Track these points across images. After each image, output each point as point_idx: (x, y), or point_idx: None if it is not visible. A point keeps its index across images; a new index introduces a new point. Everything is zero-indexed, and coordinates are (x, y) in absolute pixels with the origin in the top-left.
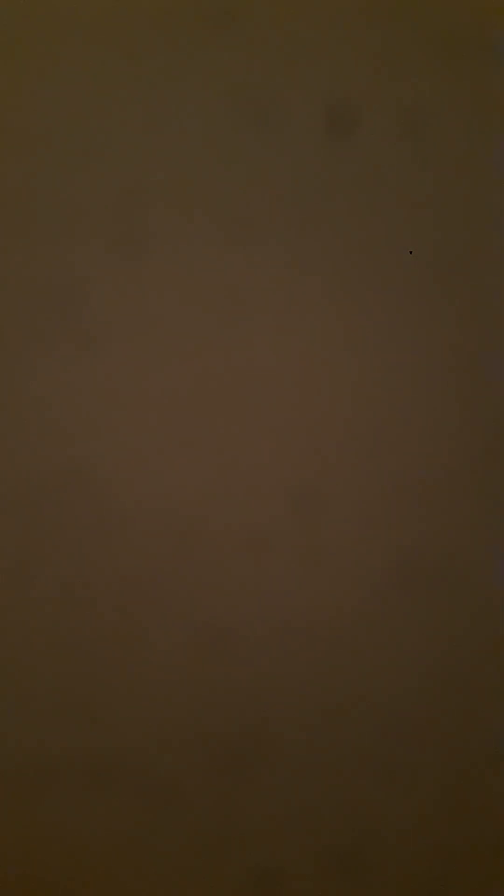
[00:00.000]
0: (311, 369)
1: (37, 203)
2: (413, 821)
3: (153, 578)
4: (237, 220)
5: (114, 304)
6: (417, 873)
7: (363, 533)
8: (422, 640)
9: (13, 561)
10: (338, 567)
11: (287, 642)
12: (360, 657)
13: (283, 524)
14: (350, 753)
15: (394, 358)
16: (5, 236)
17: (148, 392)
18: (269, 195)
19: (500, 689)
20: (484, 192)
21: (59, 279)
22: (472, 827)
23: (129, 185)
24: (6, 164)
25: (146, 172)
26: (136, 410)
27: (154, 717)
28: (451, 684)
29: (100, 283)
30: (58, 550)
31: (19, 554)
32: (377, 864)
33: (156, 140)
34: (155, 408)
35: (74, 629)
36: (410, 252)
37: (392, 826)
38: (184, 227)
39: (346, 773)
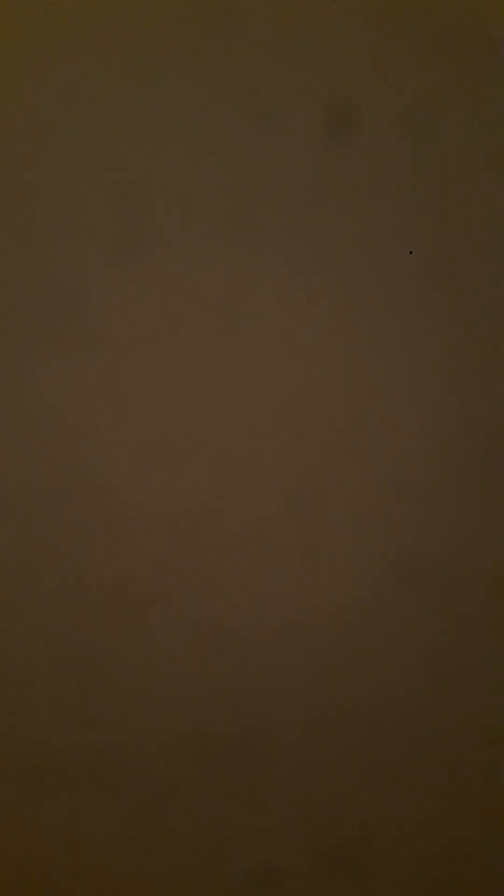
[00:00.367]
0: (311, 369)
1: (38, 204)
2: (413, 821)
3: (153, 578)
4: (238, 221)
5: (115, 304)
6: (417, 873)
7: (363, 533)
8: (421, 639)
9: (13, 561)
10: (337, 567)
11: (287, 642)
12: (359, 657)
13: (283, 524)
14: (350, 753)
15: (393, 358)
16: (6, 237)
17: (149, 392)
18: (269, 195)
19: (500, 689)
20: (484, 192)
21: (61, 280)
22: (472, 827)
23: (130, 185)
24: (7, 164)
25: (146, 173)
26: (137, 410)
27: (154, 717)
28: (451, 684)
29: (100, 284)
30: (58, 550)
31: (19, 554)
32: (377, 864)
33: (156, 140)
34: (156, 408)
35: (74, 629)
36: (410, 252)
37: (392, 826)
38: (184, 228)
39: (346, 773)
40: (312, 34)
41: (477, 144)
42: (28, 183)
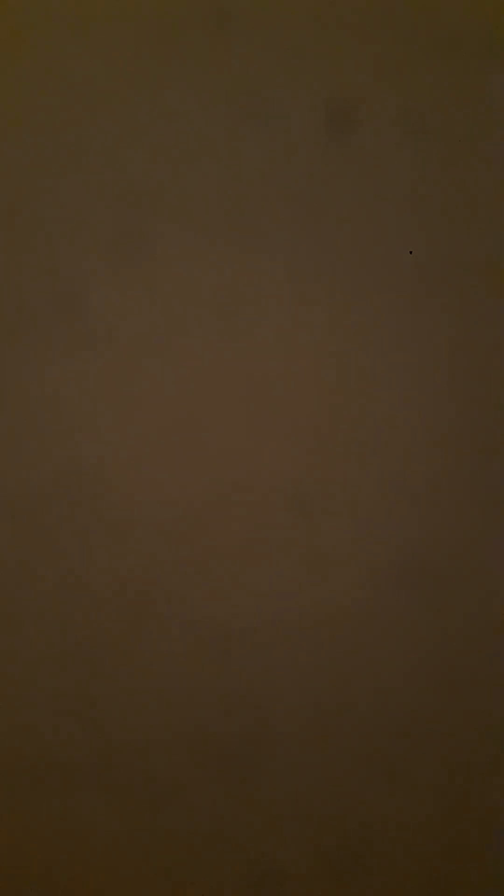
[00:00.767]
0: (311, 369)
1: (37, 205)
2: (413, 821)
3: (153, 579)
4: (237, 221)
5: (115, 304)
6: (417, 873)
7: (363, 533)
8: (422, 640)
9: (13, 561)
10: (338, 567)
11: (287, 642)
12: (359, 657)
13: (284, 524)
14: (350, 753)
15: (394, 358)
16: (6, 238)
17: (149, 392)
18: (268, 196)
19: (500, 689)
20: (484, 192)
21: (61, 280)
22: (472, 827)
23: (130, 186)
24: (6, 165)
25: (146, 173)
26: (138, 412)
27: (154, 717)
28: (451, 684)
29: (100, 284)
30: (58, 550)
31: (19, 554)
32: (377, 864)
33: (156, 141)
34: (156, 408)
35: (74, 629)
36: (410, 252)
37: (392, 826)
38: (184, 228)
39: (345, 773)
40: (312, 35)
41: (477, 144)
42: (28, 184)
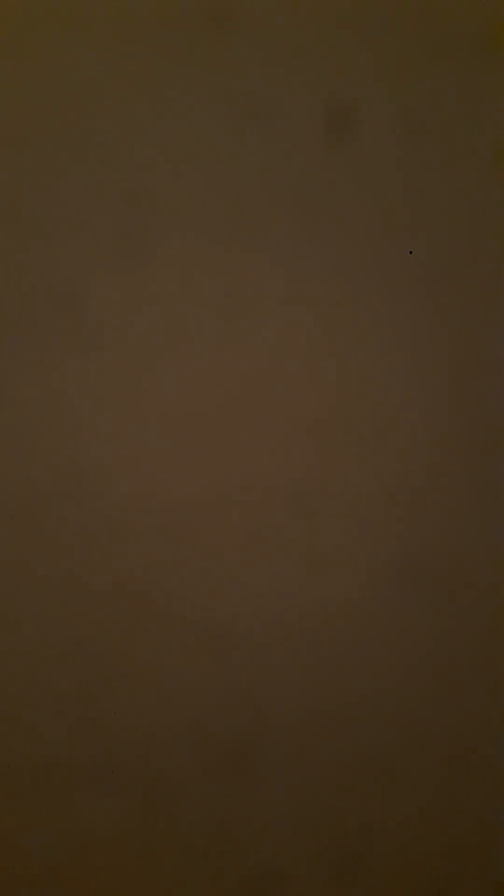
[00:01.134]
0: (310, 370)
1: (37, 205)
2: (412, 821)
3: (153, 579)
4: (237, 222)
5: (114, 305)
6: (417, 873)
7: (363, 533)
8: (421, 640)
9: (13, 561)
10: (337, 567)
11: (287, 642)
12: (359, 657)
13: (283, 524)
14: (350, 753)
15: (394, 358)
16: (6, 238)
17: (148, 393)
18: (268, 195)
19: (500, 689)
20: (484, 192)
21: (60, 281)
22: (471, 827)
23: (129, 186)
24: (6, 166)
25: (145, 174)
26: (137, 412)
27: (154, 717)
28: (451, 684)
29: (100, 285)
30: (58, 550)
31: (19, 554)
32: (377, 864)
33: (155, 141)
34: (155, 409)
35: (74, 628)
36: (410, 252)
37: (392, 826)
38: (184, 229)
39: (345, 773)
40: (313, 34)
41: (477, 145)
42: (28, 184)
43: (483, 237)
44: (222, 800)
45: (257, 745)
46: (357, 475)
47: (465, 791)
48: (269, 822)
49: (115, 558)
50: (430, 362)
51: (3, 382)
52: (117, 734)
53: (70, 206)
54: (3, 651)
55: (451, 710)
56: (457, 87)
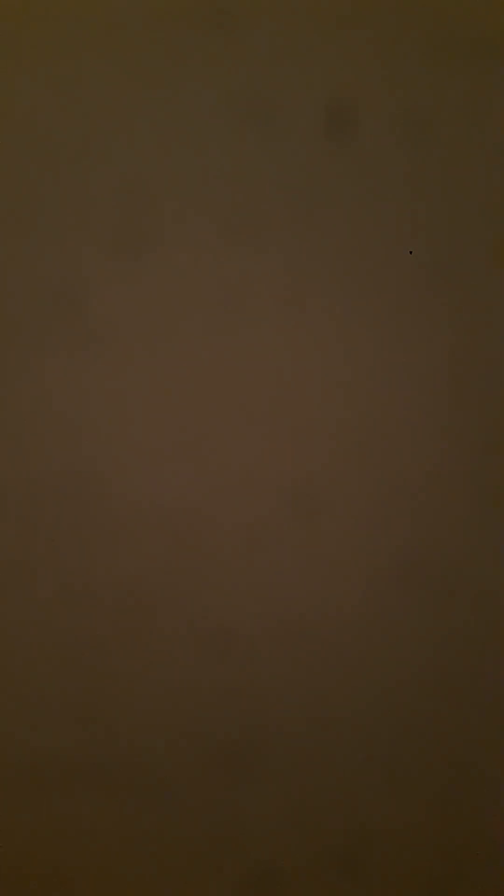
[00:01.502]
0: (310, 369)
1: (38, 205)
2: (413, 821)
3: (153, 578)
4: (238, 221)
5: (114, 305)
6: (417, 873)
7: (362, 533)
8: (421, 640)
9: (14, 561)
10: (337, 566)
11: (286, 642)
12: (359, 656)
13: (283, 524)
14: (350, 753)
15: (393, 357)
16: (7, 238)
17: (149, 392)
18: (269, 195)
19: (500, 689)
20: (483, 192)
21: (61, 280)
22: (472, 827)
23: (130, 186)
24: (7, 166)
25: (148, 173)
26: (137, 410)
27: (154, 717)
28: (450, 683)
29: (100, 285)
30: (58, 550)
31: (20, 554)
32: (377, 864)
33: (156, 141)
34: (155, 408)
35: (74, 629)
36: (410, 252)
37: (392, 826)
38: (184, 228)
39: (345, 773)
40: (313, 36)
41: (477, 145)
42: (29, 183)
43: (483, 237)
44: (222, 800)
45: (257, 745)
46: (357, 476)
47: (466, 791)
48: (269, 822)
49: (114, 558)
50: (430, 362)
51: (3, 382)
52: (117, 734)
53: (71, 205)
54: (3, 651)
55: (451, 709)
56: (457, 87)
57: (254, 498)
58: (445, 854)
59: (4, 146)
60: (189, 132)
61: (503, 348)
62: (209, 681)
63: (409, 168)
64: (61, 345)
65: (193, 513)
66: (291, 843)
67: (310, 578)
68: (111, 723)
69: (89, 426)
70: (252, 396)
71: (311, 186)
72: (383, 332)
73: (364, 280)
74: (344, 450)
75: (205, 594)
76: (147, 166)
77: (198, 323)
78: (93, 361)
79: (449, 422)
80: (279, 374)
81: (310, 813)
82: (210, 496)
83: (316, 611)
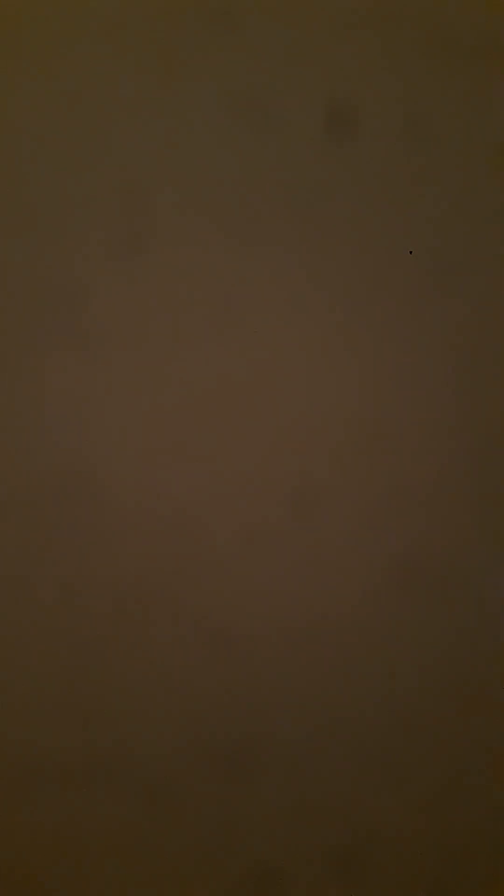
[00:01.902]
0: (310, 370)
1: (37, 206)
2: (413, 821)
3: (153, 579)
4: (237, 222)
5: (114, 305)
6: (417, 873)
7: (362, 534)
8: (421, 640)
9: (14, 561)
10: (337, 567)
11: (286, 642)
12: (359, 657)
13: (283, 525)
14: (349, 753)
15: (393, 358)
16: (7, 239)
17: (148, 393)
18: (268, 196)
19: (500, 689)
20: (484, 193)
21: (60, 281)
22: (472, 827)
23: (130, 186)
24: (6, 166)
25: (146, 174)
26: (137, 411)
27: (154, 718)
28: (450, 684)
29: (100, 285)
30: (58, 551)
31: (20, 554)
32: (377, 864)
33: (156, 141)
34: (155, 409)
35: (74, 629)
36: (410, 252)
37: (392, 826)
38: (184, 229)
39: (345, 773)
40: (313, 35)
41: (477, 145)
42: (29, 183)
43: (483, 237)
44: (222, 800)
45: (257, 746)
46: (356, 476)
47: (466, 792)
48: (269, 823)
49: (114, 558)
50: (430, 362)
51: (3, 382)
52: (117, 734)
53: (70, 206)
54: (3, 652)
55: (451, 709)
56: (457, 87)
57: (254, 499)
58: (445, 854)
59: (4, 146)
60: (189, 132)
61: (503, 348)
62: (209, 681)
63: (410, 168)
64: (61, 345)
65: (193, 513)
66: (291, 843)
67: (310, 580)
68: (111, 723)
69: (89, 426)
70: (252, 397)
71: (311, 186)
72: (383, 332)
73: (364, 280)
74: (344, 450)
75: (205, 595)
76: (147, 166)
77: (198, 323)
78: (92, 361)
79: (449, 423)
80: (279, 375)
81: (310, 813)
82: (210, 497)
83: (316, 612)
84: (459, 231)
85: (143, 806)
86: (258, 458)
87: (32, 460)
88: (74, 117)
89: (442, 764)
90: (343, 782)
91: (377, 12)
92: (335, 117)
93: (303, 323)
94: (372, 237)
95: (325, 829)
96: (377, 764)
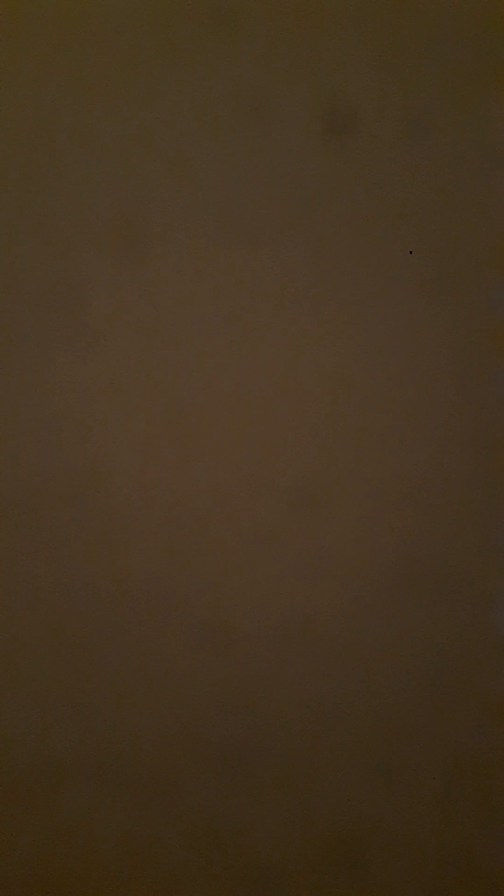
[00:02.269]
0: (311, 369)
1: (37, 206)
2: (413, 820)
3: (153, 578)
4: (237, 221)
5: (115, 305)
6: (417, 873)
7: (363, 533)
8: (421, 639)
9: (14, 561)
10: (338, 566)
11: (287, 641)
12: (359, 656)
13: (284, 524)
14: (349, 753)
15: (394, 357)
16: (7, 239)
17: (149, 392)
18: (269, 196)
19: (500, 689)
20: (484, 192)
21: (61, 281)
22: (472, 826)
23: (130, 186)
24: (7, 166)
25: (146, 173)
26: (138, 411)
27: (154, 716)
28: (450, 683)
29: (101, 285)
30: (58, 549)
31: (20, 553)
32: (377, 863)
33: (156, 141)
34: (156, 408)
35: (74, 628)
36: (410, 252)
37: (391, 825)
38: (184, 229)
39: (345, 773)
40: (313, 34)
41: (476, 144)
42: (28, 183)
43: (483, 237)
44: (222, 799)
45: (257, 744)
46: (357, 475)
47: (465, 791)
48: (269, 822)
49: (115, 558)
50: (430, 362)
51: (2, 381)
52: (117, 734)
53: (70, 205)
54: (4, 651)
55: (451, 709)
56: (457, 86)
57: (254, 497)
58: (445, 853)
59: (4, 147)
60: (188, 132)
61: (503, 348)
62: (209, 680)
63: (409, 168)
64: (61, 345)
65: (193, 512)
66: (291, 843)
67: (309, 578)
68: (110, 721)
69: (90, 426)
70: (252, 396)
71: (311, 186)
72: (383, 331)
73: (364, 280)
74: (344, 449)
75: (205, 594)
76: (147, 166)
77: (198, 323)
78: (93, 361)
79: (449, 422)
80: (280, 374)
81: (309, 812)
82: (210, 495)
83: (315, 610)
84: (459, 231)
85: (143, 805)
86: (259, 457)
87: (34, 460)
88: (74, 117)
89: (442, 764)
90: (343, 782)
91: (377, 12)
92: (335, 117)
93: (303, 323)
94: (372, 237)
95: (325, 828)
96: (377, 764)
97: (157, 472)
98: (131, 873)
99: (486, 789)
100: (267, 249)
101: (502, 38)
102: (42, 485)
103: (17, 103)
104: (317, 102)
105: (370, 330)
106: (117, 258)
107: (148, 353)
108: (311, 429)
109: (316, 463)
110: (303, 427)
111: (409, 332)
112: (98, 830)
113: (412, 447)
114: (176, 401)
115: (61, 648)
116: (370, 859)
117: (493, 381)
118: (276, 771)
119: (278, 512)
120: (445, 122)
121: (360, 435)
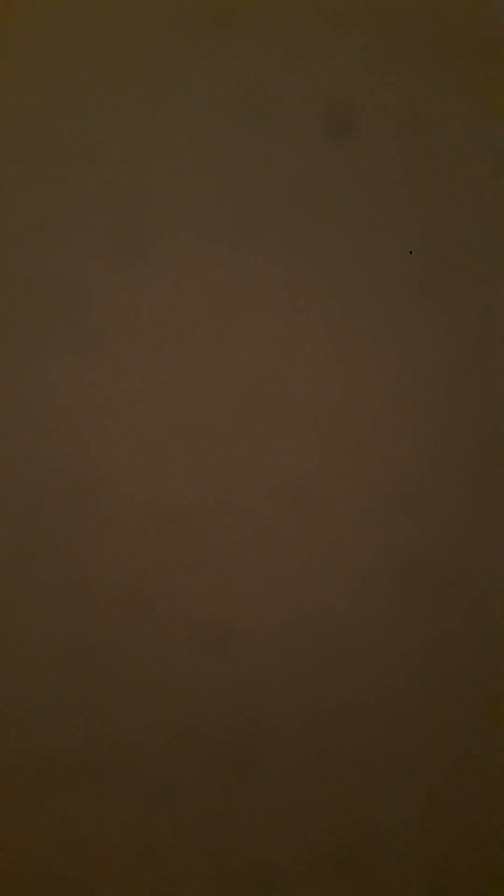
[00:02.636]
0: (311, 369)
1: (37, 206)
2: (413, 820)
3: (152, 577)
4: (237, 221)
5: (115, 304)
6: (417, 873)
7: (363, 532)
8: (421, 638)
9: (14, 560)
10: (337, 566)
11: (286, 641)
12: (359, 656)
13: (283, 524)
14: (349, 752)
15: (394, 357)
16: (6, 239)
17: (149, 391)
18: (268, 196)
19: (500, 689)
20: (484, 192)
21: (61, 281)
22: (472, 826)
23: (129, 186)
24: (6, 166)
25: (146, 174)
26: (138, 410)
27: (154, 716)
28: (450, 683)
29: (101, 285)
30: (58, 549)
31: (20, 553)
32: (377, 863)
33: (156, 141)
34: (156, 407)
35: (74, 629)
36: (410, 252)
37: (391, 825)
38: (184, 228)
39: (345, 772)
40: (313, 34)
41: (476, 144)
42: (28, 183)
43: (483, 237)
44: (222, 799)
45: (257, 745)
46: (357, 475)
47: (466, 791)
48: (269, 822)
49: (114, 558)
50: (429, 362)
51: (2, 381)
52: (117, 734)
53: (70, 205)
54: (3, 651)
55: (451, 709)
56: (457, 86)
57: (253, 497)
58: (446, 853)
59: (3, 147)
60: (188, 132)
61: (503, 348)
62: (209, 679)
63: (409, 168)
64: (62, 346)
65: (193, 511)
66: (291, 843)
67: (309, 577)
68: (110, 721)
69: (90, 426)
70: (252, 396)
71: (311, 186)
72: (383, 331)
73: (364, 280)
74: (343, 448)
75: (205, 593)
76: (146, 166)
77: (198, 322)
78: (93, 361)
79: (448, 421)
80: (280, 374)
81: (309, 812)
82: (210, 495)
83: (315, 609)
84: (459, 231)
85: (143, 805)
86: (259, 457)
87: (34, 460)
88: (74, 117)
89: (442, 763)
90: (343, 782)
91: (377, 12)
92: (335, 117)
93: (303, 323)
94: (372, 237)
95: (325, 828)
96: (377, 763)
97: (157, 471)
98: (131, 873)
99: (486, 789)
100: (267, 250)
101: (502, 38)
102: (42, 485)
103: (17, 103)
104: (317, 102)
105: (370, 330)
106: (117, 258)
107: (148, 354)
108: (311, 428)
109: (316, 463)
110: (303, 427)
111: (408, 331)
112: (98, 830)
113: (412, 447)
114: (176, 401)
115: (61, 648)
116: (370, 859)
117: (493, 381)
118: (275, 771)
119: (278, 512)
120: (445, 122)
121: (360, 435)
